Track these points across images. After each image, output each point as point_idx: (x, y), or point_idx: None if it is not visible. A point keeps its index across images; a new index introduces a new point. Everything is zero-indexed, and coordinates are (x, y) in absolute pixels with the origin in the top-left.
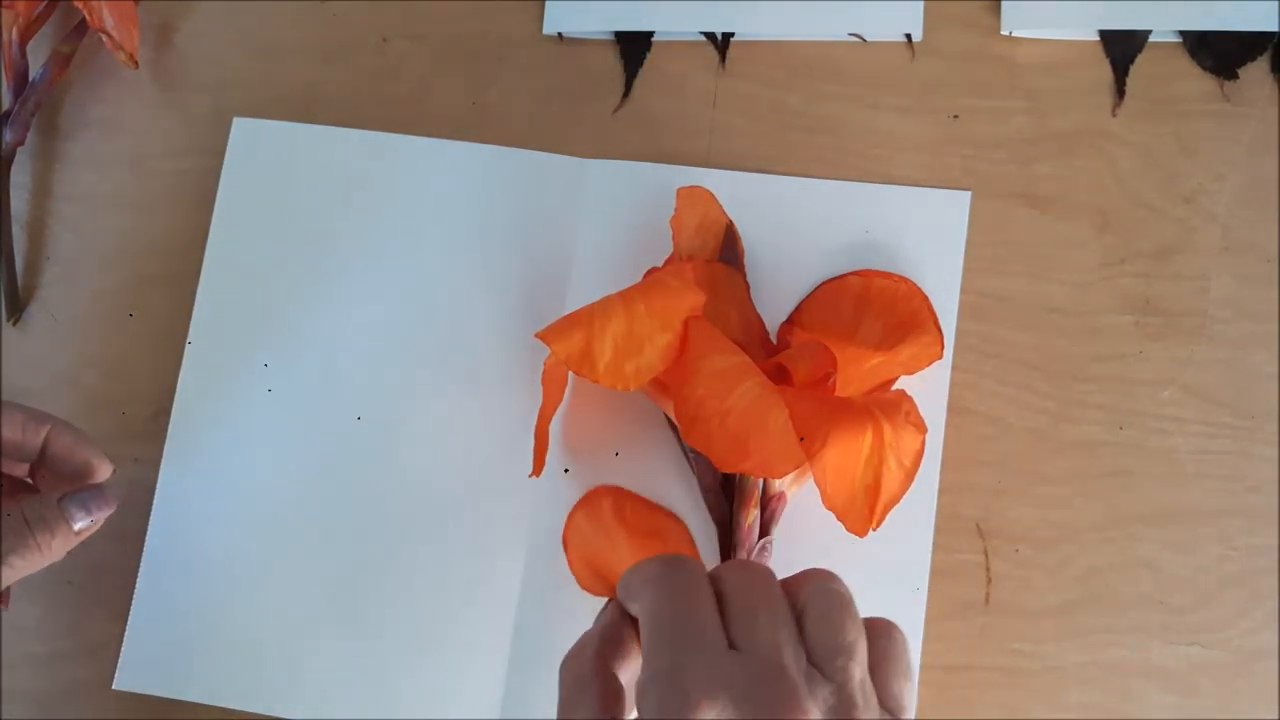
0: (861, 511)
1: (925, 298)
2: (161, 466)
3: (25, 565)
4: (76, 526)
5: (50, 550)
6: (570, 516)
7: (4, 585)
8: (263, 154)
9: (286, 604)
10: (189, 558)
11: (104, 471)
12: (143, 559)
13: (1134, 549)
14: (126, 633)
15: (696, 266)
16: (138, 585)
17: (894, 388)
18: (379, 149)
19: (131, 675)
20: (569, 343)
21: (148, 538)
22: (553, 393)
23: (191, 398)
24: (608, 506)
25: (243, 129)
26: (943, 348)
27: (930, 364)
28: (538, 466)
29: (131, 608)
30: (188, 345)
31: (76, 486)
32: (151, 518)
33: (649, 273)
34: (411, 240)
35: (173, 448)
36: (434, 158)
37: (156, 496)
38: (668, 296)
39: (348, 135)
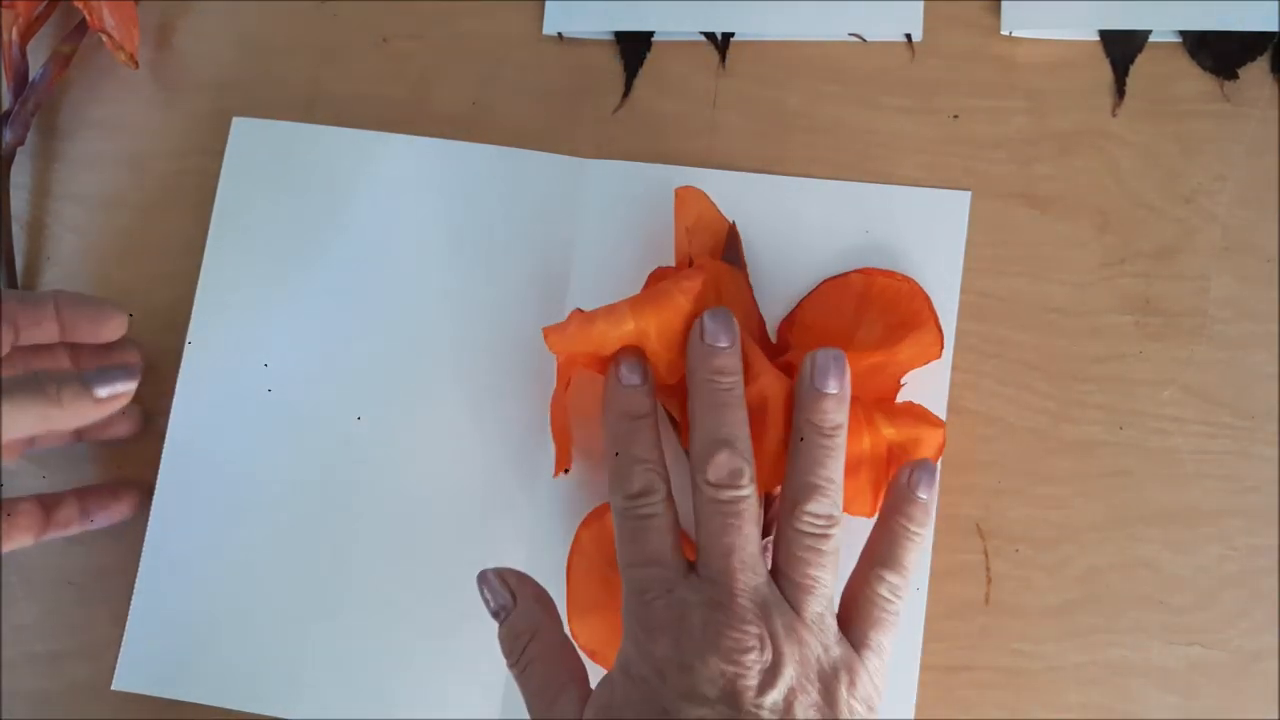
0: (866, 500)
1: (927, 297)
2: (162, 466)
3: (37, 417)
4: (98, 392)
5: (65, 404)
6: (576, 537)
7: (21, 434)
8: (263, 154)
9: (286, 604)
10: (189, 557)
11: (119, 320)
12: (143, 559)
13: (1134, 549)
14: (126, 633)
15: (702, 268)
16: (138, 585)
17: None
18: (379, 149)
19: (131, 675)
20: (572, 343)
21: (147, 538)
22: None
23: (191, 398)
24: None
25: (243, 129)
26: (943, 347)
27: (930, 364)
28: (562, 461)
29: (131, 608)
30: (188, 345)
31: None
32: (151, 518)
33: (654, 273)
34: (411, 240)
35: (172, 448)
36: (434, 158)
37: (156, 496)
38: (675, 315)
39: (348, 135)
